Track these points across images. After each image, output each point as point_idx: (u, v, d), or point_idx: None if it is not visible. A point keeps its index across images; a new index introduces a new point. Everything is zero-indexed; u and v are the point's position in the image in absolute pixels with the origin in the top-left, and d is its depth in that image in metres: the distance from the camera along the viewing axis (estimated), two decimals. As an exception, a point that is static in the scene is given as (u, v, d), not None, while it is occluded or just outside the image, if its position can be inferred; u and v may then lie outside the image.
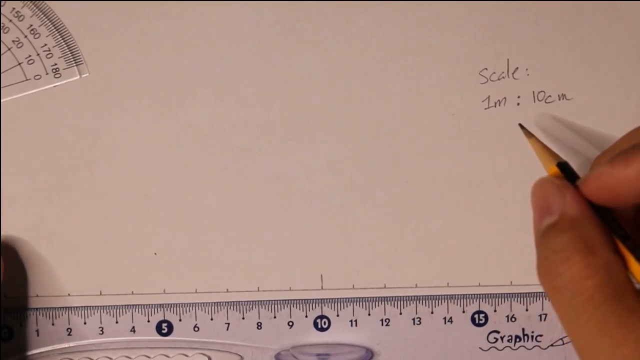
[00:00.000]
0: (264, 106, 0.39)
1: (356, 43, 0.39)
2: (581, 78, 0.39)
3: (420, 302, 0.40)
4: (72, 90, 0.39)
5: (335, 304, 0.41)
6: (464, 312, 0.40)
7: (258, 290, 0.40)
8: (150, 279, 0.40)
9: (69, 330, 0.41)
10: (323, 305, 0.41)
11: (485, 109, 0.39)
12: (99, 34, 0.39)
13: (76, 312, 0.41)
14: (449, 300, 0.40)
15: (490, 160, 0.39)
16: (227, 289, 0.40)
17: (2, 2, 0.39)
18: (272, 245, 0.40)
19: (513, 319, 0.40)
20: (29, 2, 0.39)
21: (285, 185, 0.40)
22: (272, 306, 0.41)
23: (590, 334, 0.26)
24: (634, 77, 0.39)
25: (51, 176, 0.40)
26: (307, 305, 0.41)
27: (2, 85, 0.39)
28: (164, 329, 0.41)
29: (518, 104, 0.39)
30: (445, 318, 0.40)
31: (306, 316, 0.41)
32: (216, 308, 0.41)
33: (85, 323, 0.41)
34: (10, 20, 0.39)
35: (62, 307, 0.41)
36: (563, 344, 0.40)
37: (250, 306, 0.41)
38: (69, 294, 0.41)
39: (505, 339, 0.41)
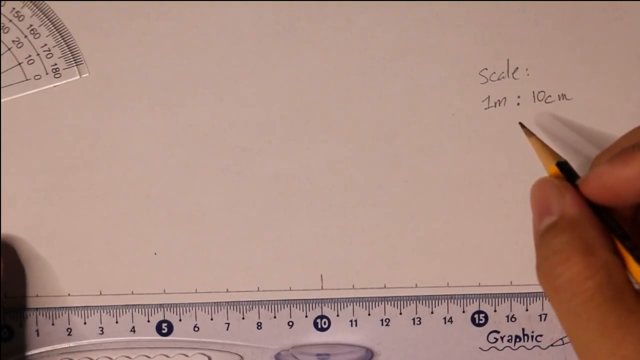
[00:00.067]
0: (264, 106, 0.39)
1: (356, 43, 0.39)
2: (581, 78, 0.39)
3: (420, 302, 0.40)
4: (72, 90, 0.39)
5: (335, 304, 0.41)
6: (464, 312, 0.40)
7: (258, 290, 0.40)
8: (150, 279, 0.40)
9: (69, 330, 0.41)
10: (323, 305, 0.41)
11: (485, 109, 0.39)
12: (99, 34, 0.39)
13: (76, 312, 0.41)
14: (449, 300, 0.40)
15: (490, 160, 0.39)
16: (227, 289, 0.40)
17: (2, 2, 0.39)
18: (272, 245, 0.40)
19: (513, 319, 0.40)
20: (29, 2, 0.39)
21: (285, 185, 0.40)
22: (272, 306, 0.41)
23: (590, 335, 0.26)
24: (634, 77, 0.39)
25: (51, 176, 0.40)
26: (307, 305, 0.41)
27: (2, 85, 0.39)
28: (164, 329, 0.41)
29: (518, 104, 0.39)
30: (445, 318, 0.40)
31: (306, 316, 0.41)
32: (216, 308, 0.41)
33: (85, 323, 0.41)
34: (10, 20, 0.39)
35: (62, 307, 0.41)
36: (563, 344, 0.40)
37: (250, 306, 0.41)
38: (69, 294, 0.41)
39: (505, 339, 0.41)
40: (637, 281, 0.28)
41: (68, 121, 0.39)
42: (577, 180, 0.31)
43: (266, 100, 0.39)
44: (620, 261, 0.28)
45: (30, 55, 0.39)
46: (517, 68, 0.39)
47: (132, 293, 0.40)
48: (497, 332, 0.40)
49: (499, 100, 0.39)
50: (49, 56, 0.39)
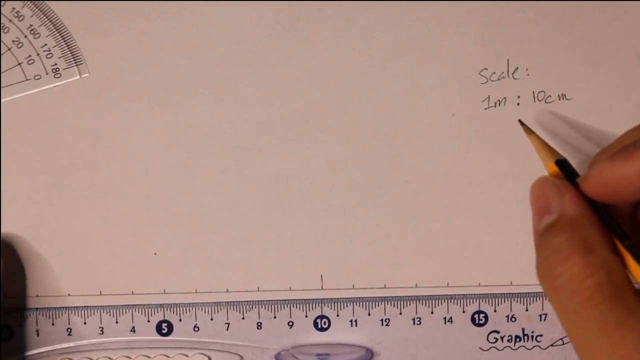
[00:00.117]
0: (264, 106, 0.39)
1: (356, 43, 0.39)
2: (581, 78, 0.39)
3: (420, 302, 0.40)
4: (72, 90, 0.39)
5: (335, 304, 0.41)
6: (464, 312, 0.40)
7: (258, 290, 0.40)
8: (150, 279, 0.40)
9: (69, 330, 0.41)
10: (323, 305, 0.41)
11: (485, 109, 0.39)
12: (99, 34, 0.39)
13: (76, 312, 0.41)
14: (449, 300, 0.40)
15: (490, 160, 0.39)
16: (227, 289, 0.40)
17: (2, 2, 0.39)
18: (272, 245, 0.40)
19: (513, 319, 0.40)
20: (29, 2, 0.39)
21: (285, 185, 0.40)
22: (272, 306, 0.41)
23: (590, 334, 0.26)
24: (634, 77, 0.39)
25: (51, 176, 0.40)
26: (307, 305, 0.41)
27: (2, 85, 0.39)
28: (164, 329, 0.41)
29: (518, 104, 0.39)
30: (445, 318, 0.40)
31: (306, 316, 0.41)
32: (216, 308, 0.41)
33: (85, 323, 0.41)
34: (10, 20, 0.39)
35: (62, 307, 0.41)
36: (563, 344, 0.40)
37: (250, 306, 0.41)
38: (69, 294, 0.41)
39: (505, 339, 0.41)
40: (636, 280, 0.28)
41: (68, 121, 0.39)
42: (577, 178, 0.31)
43: (266, 100, 0.39)
44: (620, 260, 0.28)
45: (30, 55, 0.39)
46: (517, 68, 0.39)
47: (132, 293, 0.40)
48: (497, 332, 0.40)
49: (499, 100, 0.39)
50: (49, 56, 0.39)
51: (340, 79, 0.39)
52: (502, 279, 0.40)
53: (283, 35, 0.39)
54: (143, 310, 0.41)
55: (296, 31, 0.39)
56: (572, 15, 0.38)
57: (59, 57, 0.39)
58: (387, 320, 0.41)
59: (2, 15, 0.39)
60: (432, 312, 0.40)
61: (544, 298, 0.40)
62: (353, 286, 0.40)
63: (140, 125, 0.39)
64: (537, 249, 0.29)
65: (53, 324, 0.41)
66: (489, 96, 0.39)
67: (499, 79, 0.39)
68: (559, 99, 0.39)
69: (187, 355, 0.41)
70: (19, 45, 0.39)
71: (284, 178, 0.40)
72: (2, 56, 0.39)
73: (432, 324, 0.40)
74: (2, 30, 0.39)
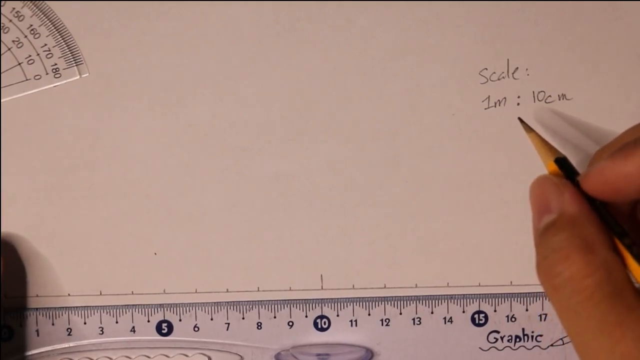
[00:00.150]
0: (264, 106, 0.39)
1: (356, 43, 0.39)
2: (581, 78, 0.39)
3: (420, 302, 0.40)
4: (72, 90, 0.39)
5: (335, 304, 0.41)
6: (464, 312, 0.40)
7: (258, 290, 0.40)
8: (150, 279, 0.40)
9: (69, 330, 0.41)
10: (323, 305, 0.41)
11: (485, 109, 0.39)
12: (99, 34, 0.39)
13: (76, 312, 0.41)
14: (449, 300, 0.40)
15: (490, 160, 0.39)
16: (227, 289, 0.40)
17: (2, 2, 0.39)
18: (272, 245, 0.40)
19: (513, 319, 0.40)
20: (29, 2, 0.39)
21: (285, 185, 0.40)
22: (272, 306, 0.41)
23: (590, 333, 0.26)
24: (634, 77, 0.39)
25: (51, 176, 0.40)
26: (307, 305, 0.41)
27: (2, 85, 0.39)
28: (164, 329, 0.41)
29: (518, 104, 0.39)
30: (445, 318, 0.40)
31: (306, 316, 0.41)
32: (216, 308, 0.41)
33: (85, 323, 0.41)
34: (10, 20, 0.39)
35: (62, 307, 0.41)
36: (563, 344, 0.40)
37: (250, 306, 0.41)
38: (69, 294, 0.41)
39: (505, 339, 0.41)
40: (636, 279, 0.28)
41: (68, 121, 0.39)
42: (577, 176, 0.31)
43: (266, 100, 0.39)
44: (620, 259, 0.28)
45: (30, 55, 0.39)
46: (517, 68, 0.39)
47: (132, 293, 0.40)
48: (497, 332, 0.40)
49: (499, 100, 0.39)
50: (49, 56, 0.39)
51: (340, 79, 0.39)
52: (502, 279, 0.40)
53: (283, 35, 0.39)
54: (143, 310, 0.41)
55: (296, 31, 0.39)
56: (572, 15, 0.38)
57: (59, 57, 0.39)
58: (387, 320, 0.41)
59: (2, 15, 0.39)
60: (432, 312, 0.40)
61: (544, 298, 0.40)
62: (353, 286, 0.40)
63: (140, 125, 0.39)
64: (537, 248, 0.29)
65: (53, 324, 0.41)
66: (489, 96, 0.39)
67: (499, 79, 0.39)
68: (559, 99, 0.39)
69: (187, 355, 0.41)
70: (19, 45, 0.39)
71: (284, 178, 0.40)
72: (2, 56, 0.39)
73: (432, 324, 0.40)
74: (2, 30, 0.39)
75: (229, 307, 0.41)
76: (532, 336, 0.40)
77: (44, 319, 0.41)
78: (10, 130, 0.40)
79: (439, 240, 0.40)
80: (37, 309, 0.41)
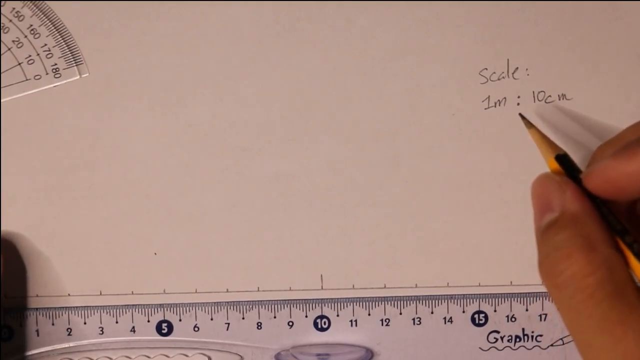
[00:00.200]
0: (264, 106, 0.39)
1: (356, 43, 0.39)
2: (581, 78, 0.39)
3: (420, 302, 0.40)
4: (72, 90, 0.39)
5: (335, 304, 0.41)
6: (464, 312, 0.40)
7: (258, 290, 0.40)
8: (150, 279, 0.40)
9: (69, 330, 0.41)
10: (323, 305, 0.41)
11: (485, 109, 0.39)
12: (99, 34, 0.39)
13: (76, 312, 0.41)
14: (449, 300, 0.40)
15: (490, 160, 0.39)
16: (227, 289, 0.40)
17: (2, 2, 0.39)
18: (272, 245, 0.40)
19: (513, 319, 0.40)
20: (29, 2, 0.39)
21: (285, 185, 0.40)
22: (272, 306, 0.41)
23: (591, 331, 0.26)
24: (634, 77, 0.39)
25: (51, 176, 0.40)
26: (307, 305, 0.41)
27: (2, 85, 0.39)
28: (164, 329, 0.41)
29: (518, 104, 0.39)
30: (445, 318, 0.40)
31: (306, 316, 0.41)
32: (216, 308, 0.41)
33: (85, 323, 0.41)
34: (10, 20, 0.39)
35: (62, 307, 0.41)
36: (563, 344, 0.40)
37: (250, 306, 0.41)
38: (69, 294, 0.40)
39: (505, 339, 0.41)
40: (638, 277, 0.28)
41: (68, 121, 0.39)
42: (579, 174, 0.31)
43: (266, 100, 0.39)
44: (622, 257, 0.28)
45: (30, 55, 0.39)
46: (517, 68, 0.39)
47: (132, 293, 0.40)
48: (497, 332, 0.40)
49: (499, 100, 0.39)
50: (49, 56, 0.39)
51: (340, 79, 0.39)
52: (502, 279, 0.40)
53: (283, 35, 0.39)
54: (143, 310, 0.41)
55: (296, 31, 0.39)
56: (572, 15, 0.38)
57: (59, 57, 0.39)
58: (387, 320, 0.41)
59: (2, 15, 0.39)
60: (432, 312, 0.40)
61: (544, 298, 0.40)
62: (353, 286, 0.40)
63: (140, 125, 0.39)
64: (539, 247, 0.29)
65: (53, 324, 0.41)
66: (489, 96, 0.39)
67: (499, 79, 0.39)
68: (559, 99, 0.39)
69: (187, 355, 0.41)
70: (19, 45, 0.39)
71: (284, 178, 0.40)
72: (2, 56, 0.39)
73: (432, 324, 0.40)
74: (2, 30, 0.39)
75: (229, 307, 0.41)
76: (532, 336, 0.40)
77: (44, 319, 0.41)
78: (10, 130, 0.40)
79: (439, 240, 0.40)
80: (37, 308, 0.40)
